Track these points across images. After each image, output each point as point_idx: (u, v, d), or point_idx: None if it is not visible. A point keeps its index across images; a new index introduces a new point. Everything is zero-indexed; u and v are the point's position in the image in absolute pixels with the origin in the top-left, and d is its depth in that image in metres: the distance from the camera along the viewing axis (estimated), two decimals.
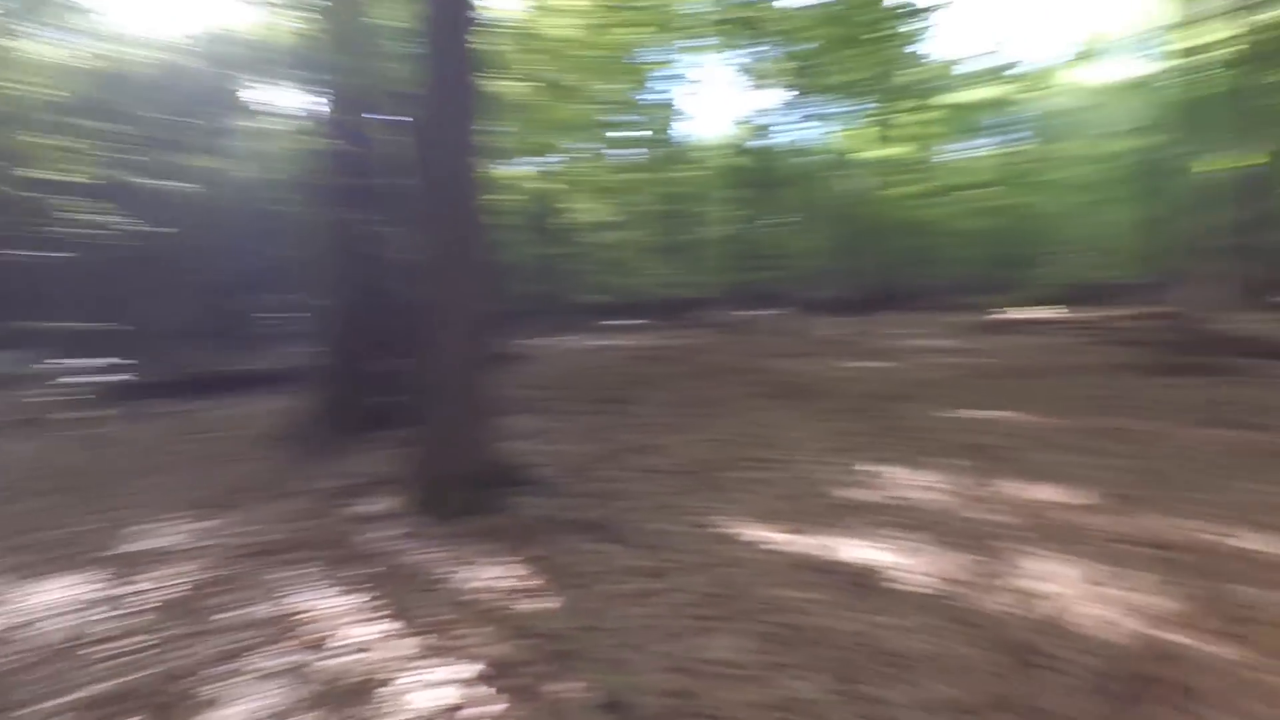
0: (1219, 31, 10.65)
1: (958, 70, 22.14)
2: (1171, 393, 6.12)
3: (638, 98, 20.63)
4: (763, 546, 3.09)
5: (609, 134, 19.67)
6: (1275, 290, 11.06)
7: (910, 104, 19.62)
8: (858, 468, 4.28)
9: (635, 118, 21.18)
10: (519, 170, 18.15)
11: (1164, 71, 10.73)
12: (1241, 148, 10.39)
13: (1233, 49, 9.13)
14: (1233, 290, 11.20)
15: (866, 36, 17.30)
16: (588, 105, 14.60)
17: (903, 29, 17.51)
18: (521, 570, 2.90)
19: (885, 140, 21.90)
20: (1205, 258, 11.68)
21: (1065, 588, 2.56)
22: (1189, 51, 10.47)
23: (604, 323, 19.80)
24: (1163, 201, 14.45)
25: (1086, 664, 2.07)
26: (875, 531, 3.20)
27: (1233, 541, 2.91)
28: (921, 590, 2.60)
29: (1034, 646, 2.17)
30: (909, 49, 18.58)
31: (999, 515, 3.35)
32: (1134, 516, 3.26)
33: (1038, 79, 23.05)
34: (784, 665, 2.14)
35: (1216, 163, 11.18)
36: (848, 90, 18.74)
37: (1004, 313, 15.33)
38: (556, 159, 19.17)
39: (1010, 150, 23.93)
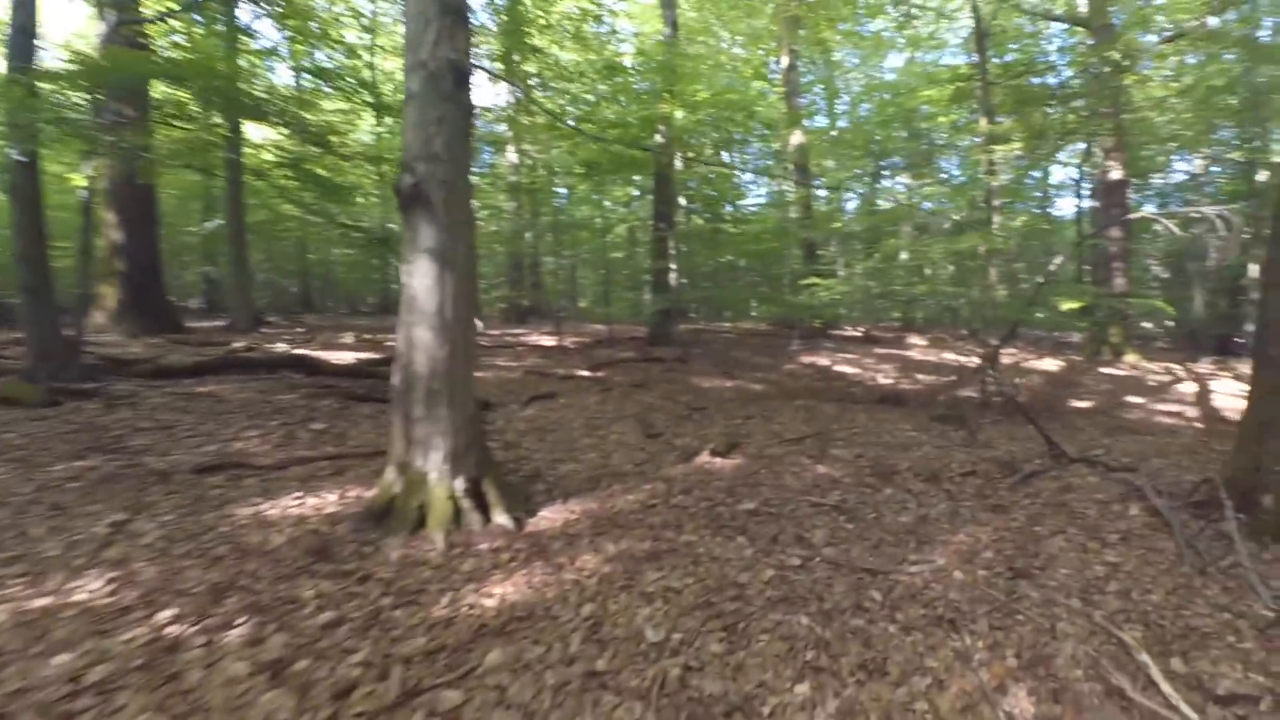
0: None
1: None
2: (50, 424, 5.46)
3: None
4: None
5: None
6: (166, 317, 12.14)
7: None
8: None
9: None
10: None
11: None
12: (84, 167, 9.71)
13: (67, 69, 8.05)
14: (131, 314, 11.55)
15: None
16: None
17: None
18: None
19: None
20: (101, 281, 11.52)
21: None
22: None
23: None
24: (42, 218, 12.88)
25: None
26: None
27: (74, 596, 2.58)
28: None
29: None
30: None
31: None
32: None
33: None
34: None
35: (76, 179, 10.41)
36: None
37: None
38: None
39: None
